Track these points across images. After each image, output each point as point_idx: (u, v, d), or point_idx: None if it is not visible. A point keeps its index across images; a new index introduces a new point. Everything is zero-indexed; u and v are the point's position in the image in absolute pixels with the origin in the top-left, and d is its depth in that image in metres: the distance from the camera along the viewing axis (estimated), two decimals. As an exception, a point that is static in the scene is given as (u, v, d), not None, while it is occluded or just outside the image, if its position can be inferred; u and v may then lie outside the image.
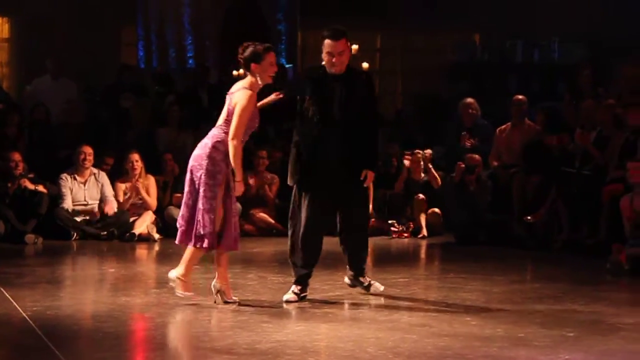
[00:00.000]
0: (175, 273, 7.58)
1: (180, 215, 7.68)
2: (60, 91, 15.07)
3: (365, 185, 7.85)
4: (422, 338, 6.57)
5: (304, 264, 7.84)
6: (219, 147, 7.41)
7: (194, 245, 7.51)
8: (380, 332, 6.69)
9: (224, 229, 7.52)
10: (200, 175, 7.43)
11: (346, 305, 7.83)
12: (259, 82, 7.52)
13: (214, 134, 7.50)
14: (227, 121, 7.46)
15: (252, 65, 7.48)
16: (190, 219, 7.53)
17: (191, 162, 7.54)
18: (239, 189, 7.54)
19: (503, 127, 12.98)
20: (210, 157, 7.40)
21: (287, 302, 7.71)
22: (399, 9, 17.69)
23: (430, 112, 15.61)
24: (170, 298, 8.02)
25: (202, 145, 7.51)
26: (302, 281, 7.83)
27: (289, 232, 7.95)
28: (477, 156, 12.66)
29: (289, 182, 7.89)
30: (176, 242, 7.81)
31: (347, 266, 8.14)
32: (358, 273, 8.07)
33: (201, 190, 7.43)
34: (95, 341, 6.71)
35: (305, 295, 7.82)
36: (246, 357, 6.01)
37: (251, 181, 12.70)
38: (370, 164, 7.88)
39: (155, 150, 13.36)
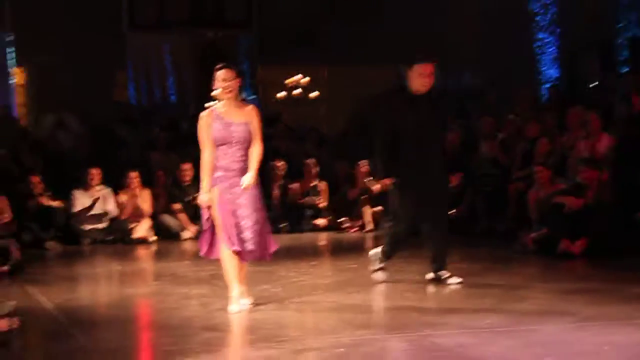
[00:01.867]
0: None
1: None
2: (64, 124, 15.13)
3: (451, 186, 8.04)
4: (372, 311, 6.61)
5: (392, 255, 7.87)
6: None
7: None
8: (337, 308, 6.71)
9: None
10: None
11: (308, 288, 7.79)
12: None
13: None
14: None
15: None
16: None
17: None
18: (199, 198, 6.69)
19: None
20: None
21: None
22: (342, 46, 17.72)
23: (367, 130, 15.62)
24: (167, 288, 8.02)
25: None
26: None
27: (388, 227, 7.83)
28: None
29: (383, 180, 7.65)
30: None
31: (431, 261, 7.75)
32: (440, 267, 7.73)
33: None
34: (108, 325, 6.68)
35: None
36: (230, 332, 6.02)
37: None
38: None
39: (149, 169, 13.35)
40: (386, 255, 7.85)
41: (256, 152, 6.62)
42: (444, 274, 7.66)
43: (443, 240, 7.67)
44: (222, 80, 6.62)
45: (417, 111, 7.34)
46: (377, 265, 7.90)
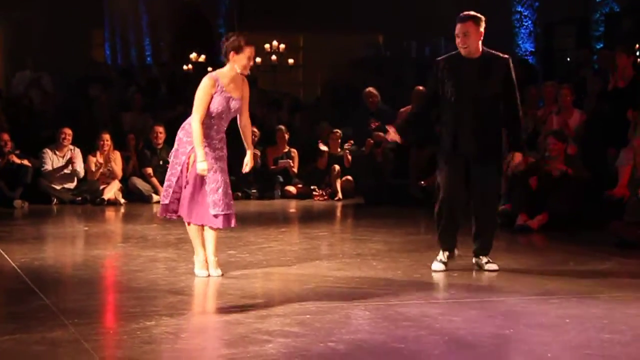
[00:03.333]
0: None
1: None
2: (39, 83, 15.00)
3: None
4: (339, 280, 6.63)
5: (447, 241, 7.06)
6: (187, 129, 6.60)
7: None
8: (304, 276, 6.73)
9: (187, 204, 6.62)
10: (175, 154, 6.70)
11: (276, 254, 7.81)
12: (237, 71, 6.60)
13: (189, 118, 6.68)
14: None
15: (232, 53, 6.55)
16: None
17: (176, 145, 6.72)
18: (198, 167, 6.47)
19: (404, 109, 13.04)
20: (178, 137, 6.68)
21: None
22: (319, 14, 17.65)
23: (343, 99, 15.64)
24: (134, 251, 8.00)
25: (183, 126, 6.71)
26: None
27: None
28: (382, 134, 12.73)
29: None
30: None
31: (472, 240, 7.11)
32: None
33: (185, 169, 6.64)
34: (73, 285, 6.68)
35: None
36: (195, 296, 6.03)
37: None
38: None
39: (120, 130, 13.28)
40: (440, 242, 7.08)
41: (249, 127, 6.76)
42: (483, 259, 7.00)
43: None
44: (250, 58, 6.60)
45: (460, 76, 6.68)
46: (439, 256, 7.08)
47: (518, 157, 6.90)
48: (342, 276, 6.75)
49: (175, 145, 6.69)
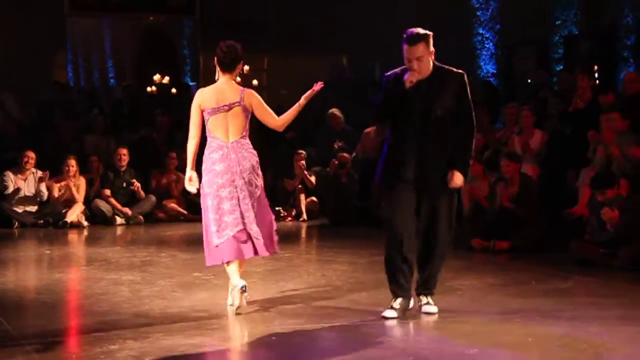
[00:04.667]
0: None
1: (254, 226, 6.05)
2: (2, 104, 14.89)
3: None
4: (304, 301, 6.62)
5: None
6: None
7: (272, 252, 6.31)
8: (270, 297, 6.70)
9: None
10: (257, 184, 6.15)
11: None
12: (238, 80, 6.49)
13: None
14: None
15: (240, 64, 6.28)
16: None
17: (250, 174, 6.09)
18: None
19: (369, 129, 13.07)
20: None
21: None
22: (283, 37, 17.70)
23: (307, 119, 15.65)
24: (97, 274, 7.94)
25: (252, 154, 6.16)
26: None
27: None
28: (346, 155, 12.80)
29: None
30: (259, 254, 6.19)
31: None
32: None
33: (263, 197, 6.22)
34: (35, 309, 6.62)
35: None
36: (160, 319, 5.99)
37: (163, 179, 12.70)
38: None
39: (83, 153, 13.21)
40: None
41: None
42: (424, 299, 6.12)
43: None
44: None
45: (411, 94, 5.93)
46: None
47: (458, 178, 5.90)
48: (308, 297, 6.74)
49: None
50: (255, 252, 6.09)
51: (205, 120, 6.08)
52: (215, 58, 6.20)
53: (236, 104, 6.09)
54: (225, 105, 6.07)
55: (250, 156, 6.10)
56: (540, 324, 5.84)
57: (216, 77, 6.27)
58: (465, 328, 5.64)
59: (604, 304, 6.60)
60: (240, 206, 5.99)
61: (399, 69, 6.05)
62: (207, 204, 6.05)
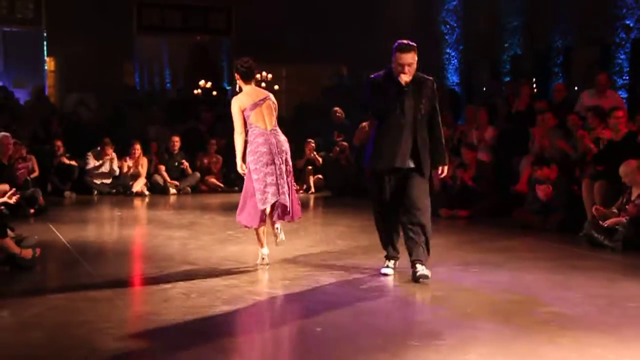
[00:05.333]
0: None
1: (288, 197, 5.85)
2: (85, 102, 14.90)
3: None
4: (311, 254, 6.60)
5: None
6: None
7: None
8: (285, 251, 6.58)
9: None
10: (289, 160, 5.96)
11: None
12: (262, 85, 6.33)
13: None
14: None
15: (256, 73, 6.15)
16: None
17: (287, 154, 5.91)
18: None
19: (364, 123, 12.90)
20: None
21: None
22: (297, 50, 17.60)
23: (314, 115, 15.58)
24: (155, 231, 7.92)
25: (286, 140, 5.98)
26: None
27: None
28: (345, 143, 12.73)
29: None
30: (291, 219, 6.01)
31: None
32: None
33: (291, 175, 6.00)
34: (109, 257, 6.61)
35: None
36: (202, 266, 5.97)
37: (205, 160, 12.64)
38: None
39: (146, 139, 13.16)
40: None
41: None
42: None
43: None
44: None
45: (396, 96, 5.56)
46: None
47: (445, 169, 5.68)
48: (315, 251, 6.72)
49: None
50: (291, 218, 5.94)
51: (247, 117, 5.88)
52: (236, 73, 6.02)
53: (267, 99, 5.92)
54: (261, 100, 5.91)
55: (285, 141, 5.95)
56: (491, 272, 5.82)
57: (237, 89, 6.13)
58: (434, 276, 5.59)
59: (539, 257, 6.58)
60: (278, 180, 5.83)
61: (382, 72, 5.60)
62: (254, 177, 5.80)
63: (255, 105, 5.89)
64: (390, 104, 5.52)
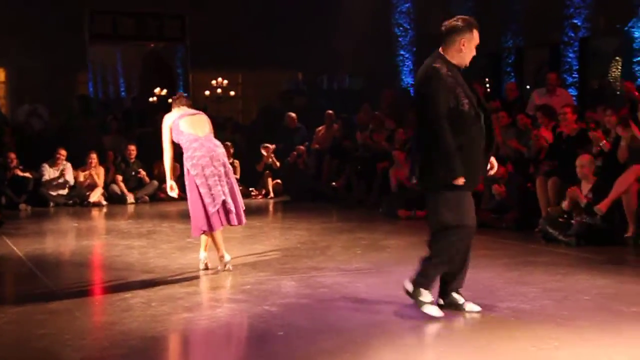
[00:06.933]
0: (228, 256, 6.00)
1: (230, 200, 5.85)
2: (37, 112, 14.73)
3: None
4: (271, 258, 6.62)
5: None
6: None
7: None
8: (245, 256, 6.69)
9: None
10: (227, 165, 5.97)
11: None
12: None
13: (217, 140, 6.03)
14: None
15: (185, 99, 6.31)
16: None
17: (223, 158, 5.90)
18: None
19: (320, 127, 13.07)
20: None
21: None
22: (253, 56, 17.60)
23: (271, 120, 15.60)
24: (114, 241, 7.86)
25: (220, 144, 6.01)
26: None
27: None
28: (302, 147, 12.79)
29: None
30: (236, 224, 5.95)
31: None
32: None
33: (232, 177, 6.01)
34: (67, 269, 6.54)
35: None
36: (162, 274, 5.95)
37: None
38: None
39: (102, 148, 13.03)
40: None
41: None
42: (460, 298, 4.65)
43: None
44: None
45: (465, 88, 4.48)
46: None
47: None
48: (274, 256, 6.74)
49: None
50: (239, 221, 5.93)
51: (177, 126, 5.91)
52: (172, 102, 6.23)
53: (200, 114, 6.13)
54: (192, 113, 6.05)
55: (220, 145, 5.98)
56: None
57: (172, 109, 6.17)
58: (394, 277, 5.62)
59: (494, 255, 6.69)
60: (220, 182, 5.81)
61: (441, 62, 4.36)
62: (198, 182, 5.79)
63: (185, 115, 6.01)
64: (472, 107, 4.28)
